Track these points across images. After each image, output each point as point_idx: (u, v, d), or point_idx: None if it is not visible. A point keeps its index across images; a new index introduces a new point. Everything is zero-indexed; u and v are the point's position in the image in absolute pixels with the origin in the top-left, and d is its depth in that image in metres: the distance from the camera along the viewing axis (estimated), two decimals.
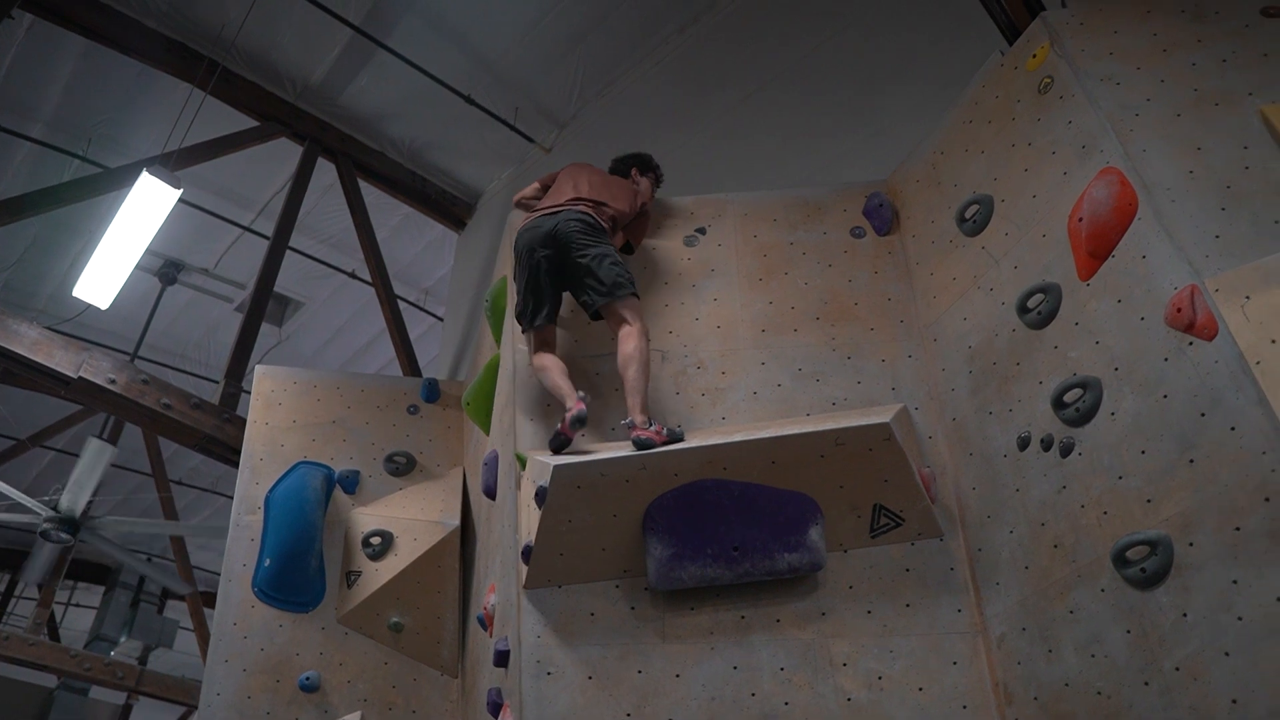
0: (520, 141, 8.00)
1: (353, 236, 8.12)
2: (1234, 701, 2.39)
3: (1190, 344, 2.76)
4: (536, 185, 4.35)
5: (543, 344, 3.76)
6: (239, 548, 4.56)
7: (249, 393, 5.26)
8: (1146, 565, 2.68)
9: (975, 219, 3.72)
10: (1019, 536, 3.16)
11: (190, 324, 9.67)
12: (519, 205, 4.37)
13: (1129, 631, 2.71)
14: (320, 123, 7.79)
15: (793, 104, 6.09)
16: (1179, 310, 2.80)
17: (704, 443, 3.31)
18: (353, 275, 9.02)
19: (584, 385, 3.68)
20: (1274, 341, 2.57)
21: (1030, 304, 3.33)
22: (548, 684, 3.22)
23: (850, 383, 3.73)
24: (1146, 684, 2.62)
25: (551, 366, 3.64)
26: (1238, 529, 2.50)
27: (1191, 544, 2.60)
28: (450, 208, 8.49)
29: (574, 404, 3.43)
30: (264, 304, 7.09)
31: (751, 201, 4.32)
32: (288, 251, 7.72)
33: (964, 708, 3.08)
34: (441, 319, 8.87)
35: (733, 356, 3.86)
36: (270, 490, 4.69)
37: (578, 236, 3.78)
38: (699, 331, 3.94)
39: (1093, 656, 2.79)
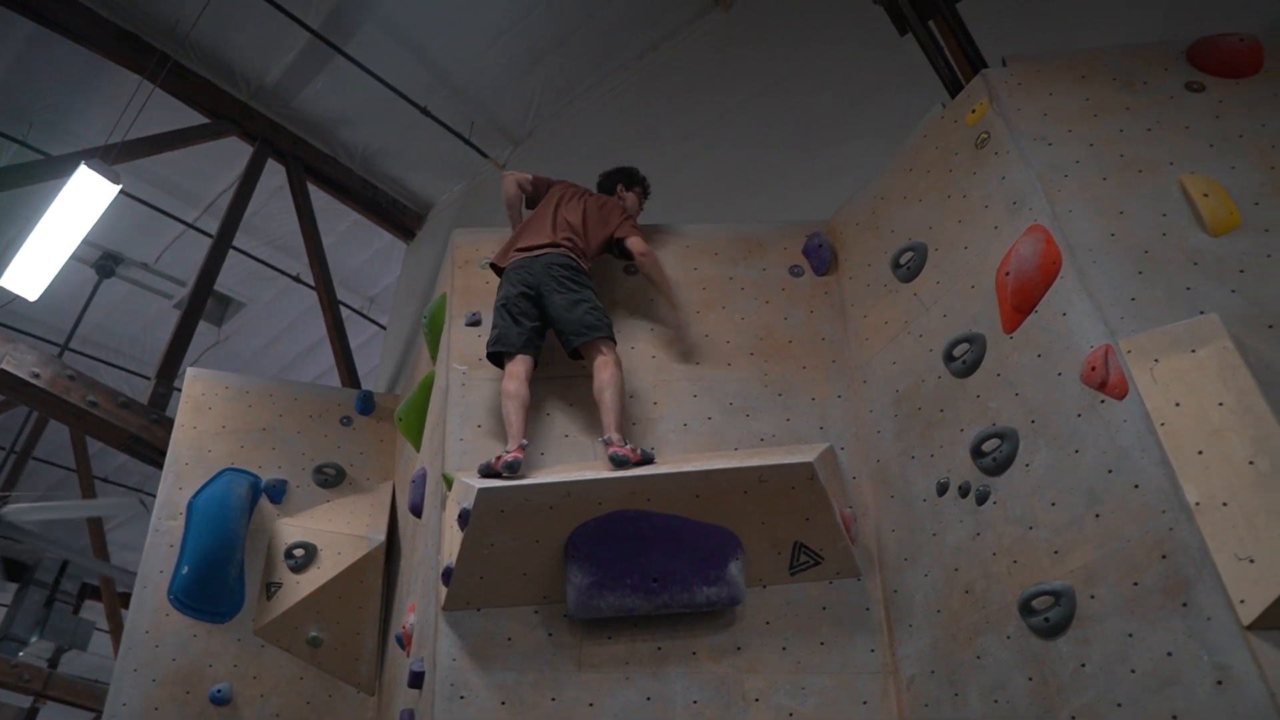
0: (474, 156, 8.01)
1: (299, 240, 8.04)
2: None
3: (1102, 402, 2.85)
4: (530, 180, 4.41)
5: (515, 374, 3.73)
6: (157, 553, 4.46)
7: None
8: (1050, 615, 2.75)
9: (909, 265, 3.81)
10: (933, 580, 3.22)
11: (126, 318, 9.46)
12: (508, 200, 4.42)
13: (1031, 679, 2.77)
14: (272, 124, 7.71)
15: (744, 139, 6.18)
16: (1093, 368, 2.89)
17: (629, 473, 3.33)
18: (297, 279, 8.91)
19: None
20: (1178, 405, 2.67)
21: (956, 352, 3.41)
22: (460, 708, 3.20)
23: (780, 419, 3.78)
24: None
25: (515, 397, 3.63)
26: (1136, 584, 2.58)
27: (1093, 596, 2.68)
28: (400, 217, 8.45)
29: (514, 451, 3.44)
30: (203, 303, 6.98)
31: (695, 234, 4.37)
32: (231, 251, 7.63)
33: None
34: (385, 328, 8.80)
35: (665, 387, 3.89)
36: (194, 496, 4.61)
37: (555, 283, 3.82)
38: (634, 361, 3.96)
39: (996, 702, 2.86)
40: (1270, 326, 2.88)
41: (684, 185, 6.24)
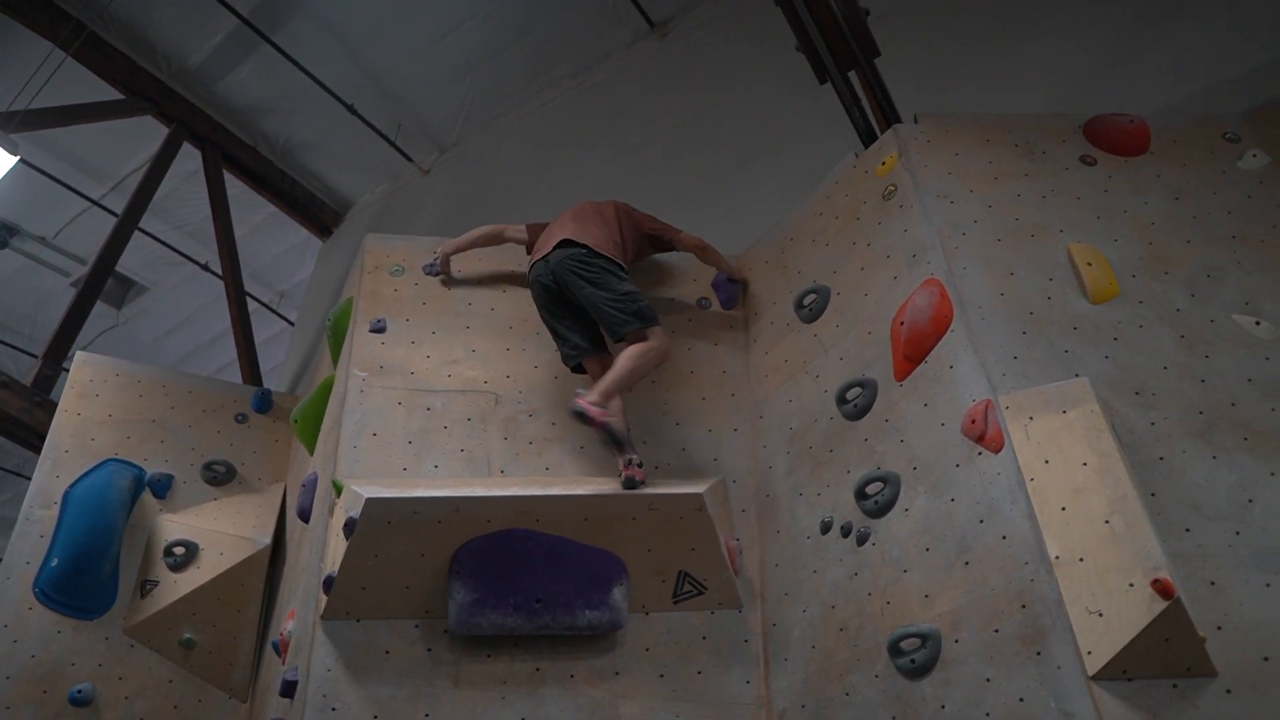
0: (398, 159, 7.94)
1: (210, 227, 7.84)
2: None
3: (979, 454, 2.97)
4: (524, 230, 4.28)
5: (599, 375, 3.68)
6: (26, 543, 4.27)
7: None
8: (916, 656, 2.85)
9: (812, 307, 3.91)
10: (810, 616, 3.30)
11: (18, 293, 9.06)
12: (488, 235, 4.31)
13: (894, 718, 2.86)
14: (191, 107, 7.52)
15: (668, 167, 6.27)
16: (973, 421, 3.02)
17: (520, 492, 3.34)
18: (205, 267, 8.66)
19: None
20: (1047, 462, 2.80)
21: (849, 396, 3.52)
22: None
23: (675, 448, 3.83)
24: None
25: (639, 367, 3.58)
26: (997, 631, 2.69)
27: (957, 640, 2.78)
28: (318, 214, 8.31)
29: (623, 469, 3.45)
30: (101, 283, 6.74)
31: None
32: (137, 234, 7.40)
33: None
34: (293, 324, 8.62)
35: (565, 409, 3.90)
36: (71, 486, 4.44)
37: (571, 278, 3.73)
38: (536, 380, 3.98)
39: None
40: (1137, 392, 3.05)
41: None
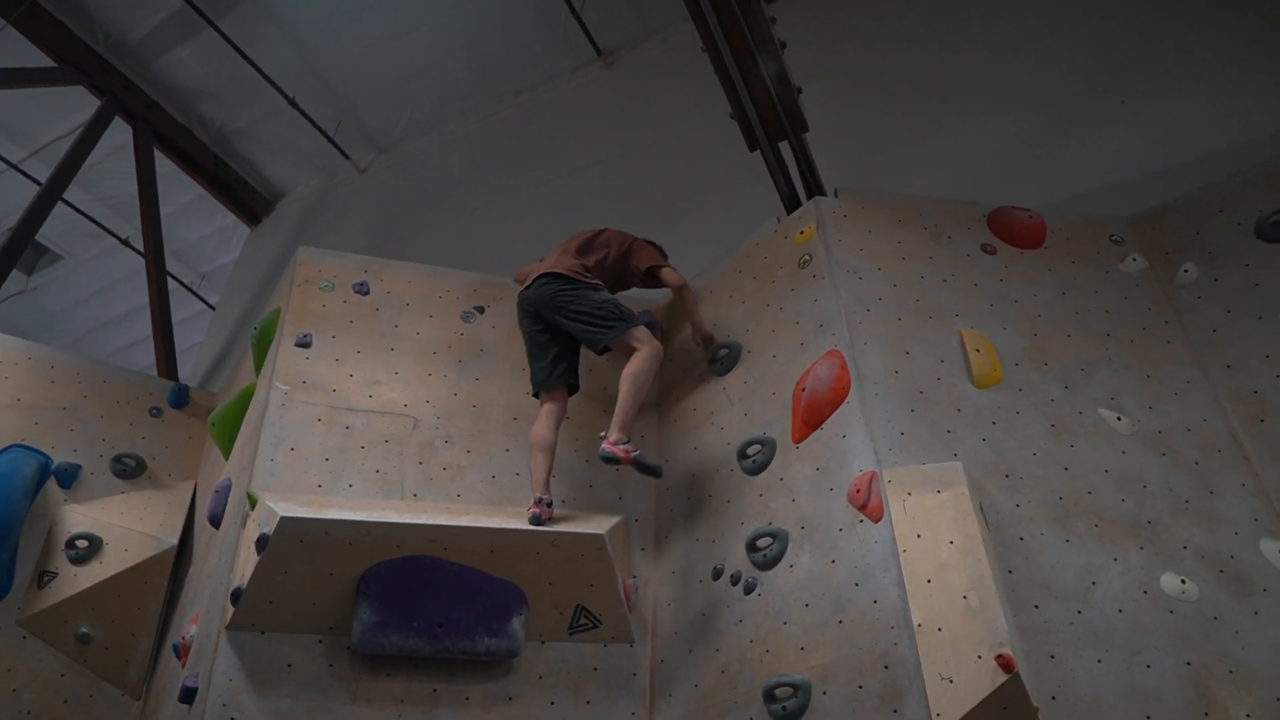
0: (335, 155, 7.96)
1: (134, 202, 7.72)
2: None
3: (860, 522, 3.23)
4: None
5: (549, 412, 3.84)
6: None
7: None
8: (788, 704, 3.08)
9: (724, 361, 4.14)
10: (696, 656, 3.52)
11: None
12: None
13: None
14: (126, 81, 7.43)
15: (604, 194, 6.45)
16: (858, 491, 3.28)
17: (430, 520, 3.48)
18: (125, 242, 8.53)
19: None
20: (919, 536, 3.07)
21: (749, 451, 3.75)
22: None
23: (583, 484, 4.02)
24: None
25: (542, 446, 3.73)
26: (860, 687, 2.95)
27: (825, 692, 3.03)
28: (248, 200, 8.27)
29: (532, 505, 3.60)
30: (18, 253, 6.61)
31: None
32: (59, 202, 7.24)
33: None
34: (214, 308, 8.54)
35: (480, 438, 4.06)
36: None
37: (553, 299, 3.91)
38: (454, 406, 4.12)
39: None
40: (1007, 475, 3.35)
41: (538, 228, 6.43)
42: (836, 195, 4.26)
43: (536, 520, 3.58)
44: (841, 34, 6.29)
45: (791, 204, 4.42)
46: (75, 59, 7.10)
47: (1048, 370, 3.73)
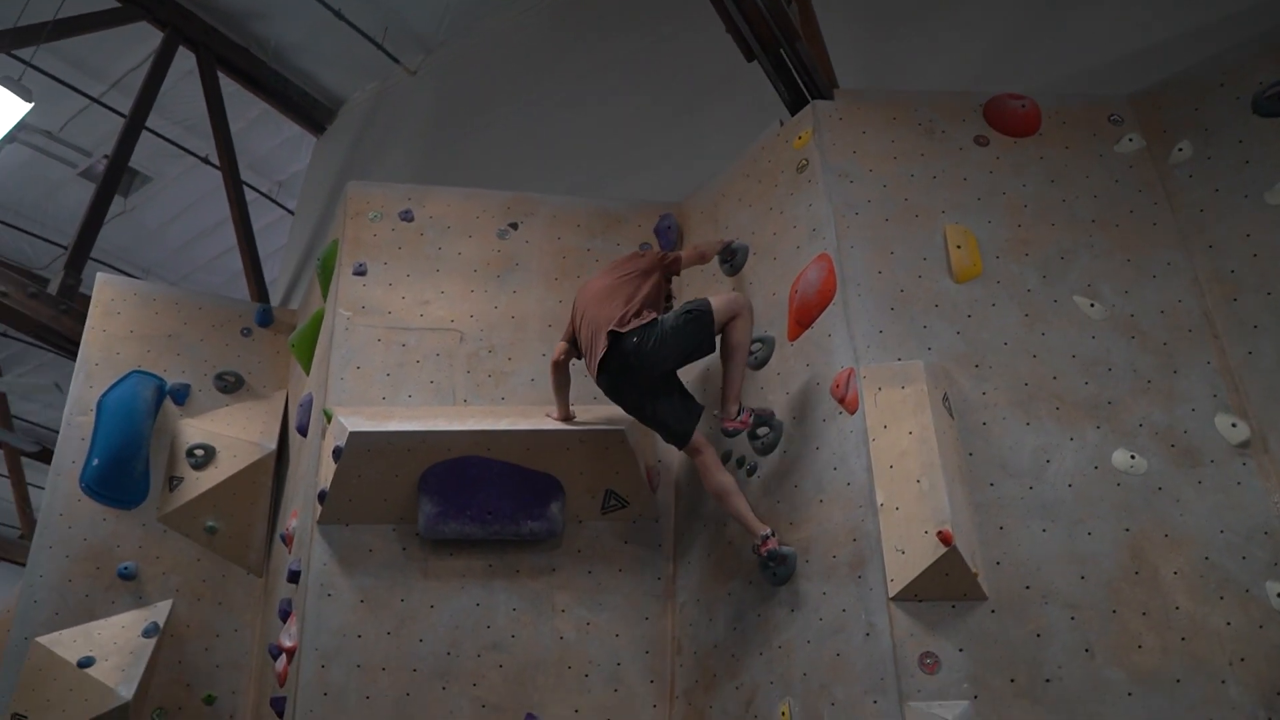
0: (386, 60, 8.28)
1: (208, 121, 8.26)
2: (805, 674, 3.39)
3: (840, 413, 3.66)
4: (563, 345, 4.11)
5: (699, 452, 3.80)
6: (69, 445, 5.07)
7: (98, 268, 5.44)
8: (779, 571, 3.63)
9: (733, 262, 4.51)
10: (709, 530, 4.09)
11: (27, 183, 9.53)
12: (557, 367, 4.10)
13: (759, 615, 3.68)
14: (183, 11, 7.84)
15: (632, 90, 6.62)
16: (838, 385, 3.70)
17: (475, 426, 4.07)
18: (205, 160, 9.15)
19: None
20: (885, 427, 3.49)
21: (753, 348, 4.16)
22: (327, 603, 4.01)
23: None
24: (760, 654, 3.61)
25: (729, 489, 3.72)
26: (834, 557, 3.46)
27: (808, 561, 3.56)
28: (310, 111, 8.73)
29: (764, 542, 3.60)
30: (114, 187, 7.25)
31: (561, 205, 4.98)
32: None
33: (647, 652, 4.05)
34: (292, 213, 9.17)
35: (520, 345, 4.59)
36: (103, 395, 5.19)
37: (635, 360, 3.75)
38: (495, 319, 4.64)
39: (734, 629, 3.77)
40: (976, 366, 3.69)
41: (574, 131, 6.73)
42: (833, 97, 4.45)
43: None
44: None
45: (794, 106, 4.61)
46: None
47: (1028, 261, 3.89)
